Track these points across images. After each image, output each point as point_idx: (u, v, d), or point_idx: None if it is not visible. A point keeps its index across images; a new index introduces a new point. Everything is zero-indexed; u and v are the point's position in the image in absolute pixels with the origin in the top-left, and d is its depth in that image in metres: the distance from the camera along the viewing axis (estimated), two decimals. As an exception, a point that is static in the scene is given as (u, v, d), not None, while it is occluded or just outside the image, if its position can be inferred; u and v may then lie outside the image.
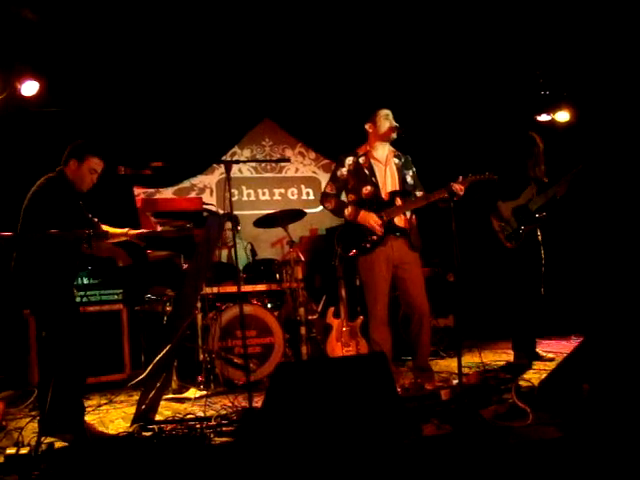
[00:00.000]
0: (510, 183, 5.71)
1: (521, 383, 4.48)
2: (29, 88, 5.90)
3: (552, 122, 7.52)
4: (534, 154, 5.88)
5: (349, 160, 4.99)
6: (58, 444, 3.92)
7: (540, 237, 5.87)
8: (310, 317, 6.29)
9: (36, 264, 4.01)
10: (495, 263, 6.32)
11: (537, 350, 5.93)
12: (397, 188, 4.95)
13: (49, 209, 4.02)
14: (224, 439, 3.82)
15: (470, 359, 6.15)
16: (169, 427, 4.13)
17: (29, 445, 3.69)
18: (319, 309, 6.56)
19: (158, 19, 6.45)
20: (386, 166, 4.98)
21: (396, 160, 5.04)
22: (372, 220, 4.82)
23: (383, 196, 4.89)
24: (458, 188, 4.66)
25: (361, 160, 4.96)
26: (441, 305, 6.69)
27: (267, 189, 8.05)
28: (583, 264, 7.63)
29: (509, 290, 5.97)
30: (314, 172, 8.28)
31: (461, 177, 4.77)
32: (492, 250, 5.99)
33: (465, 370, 5.23)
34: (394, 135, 4.95)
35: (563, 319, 7.26)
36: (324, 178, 8.12)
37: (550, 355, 5.91)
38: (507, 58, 7.29)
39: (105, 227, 4.60)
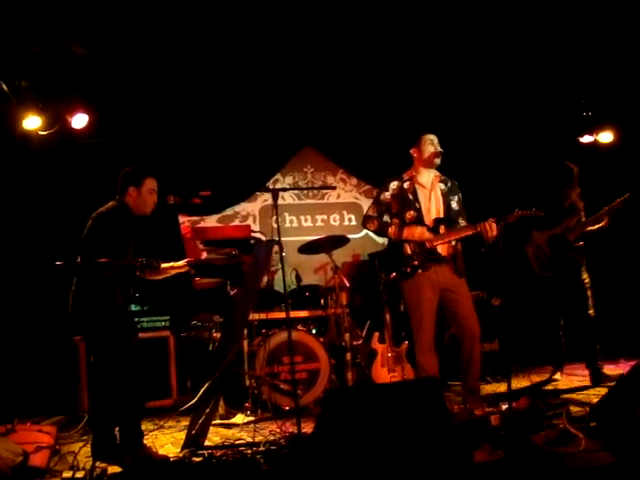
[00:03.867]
0: (547, 213, 5.64)
1: (571, 408, 4.41)
2: (79, 121, 6.07)
3: (595, 143, 7.45)
4: (572, 182, 5.93)
5: (394, 184, 4.99)
6: (111, 469, 3.98)
7: (583, 263, 5.88)
8: (355, 343, 6.29)
9: (94, 291, 4.09)
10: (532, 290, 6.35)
11: (604, 371, 5.84)
12: (441, 214, 4.92)
13: (110, 238, 4.10)
14: (275, 465, 3.84)
15: (517, 384, 6.07)
16: (219, 453, 4.16)
17: (84, 469, 3.78)
18: (363, 334, 6.55)
19: (201, 51, 6.59)
20: (431, 192, 4.96)
21: (442, 185, 5.01)
22: (417, 232, 4.80)
23: (427, 222, 4.87)
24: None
25: (406, 185, 4.95)
26: (486, 329, 6.62)
27: (309, 215, 8.12)
28: (632, 286, 7.50)
29: (550, 317, 6.05)
30: (356, 198, 8.33)
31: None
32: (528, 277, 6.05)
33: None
34: (437, 161, 4.93)
35: (611, 342, 7.15)
36: (366, 204, 8.15)
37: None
38: (550, 80, 7.27)
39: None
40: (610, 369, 6.12)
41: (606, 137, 7.36)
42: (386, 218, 5.02)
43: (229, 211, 7.77)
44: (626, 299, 7.46)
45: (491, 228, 4.65)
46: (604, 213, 5.73)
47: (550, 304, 6.07)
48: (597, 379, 5.74)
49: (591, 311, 5.84)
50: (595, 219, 5.77)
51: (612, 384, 5.36)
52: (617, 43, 6.67)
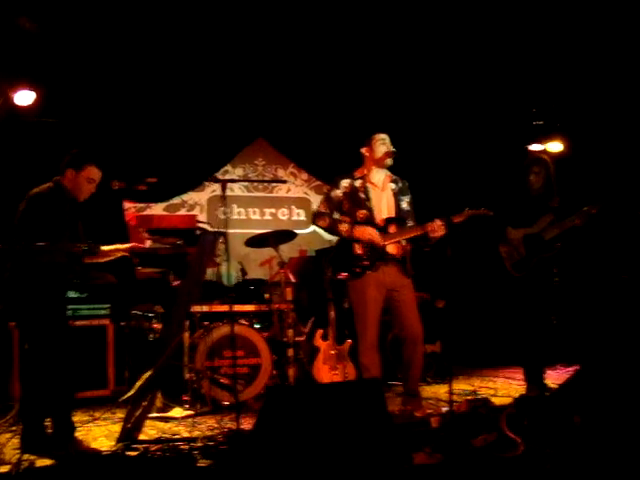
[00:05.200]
0: (523, 210, 5.49)
1: (511, 412, 4.44)
2: (24, 98, 5.85)
3: (544, 152, 7.53)
4: (530, 176, 5.51)
5: (345, 182, 4.91)
6: (39, 462, 3.81)
7: (554, 267, 5.51)
8: (297, 339, 6.24)
9: (30, 276, 3.94)
10: (491, 291, 6.21)
11: (545, 382, 5.55)
12: (392, 214, 4.88)
13: (45, 219, 3.96)
14: (211, 461, 3.75)
15: (458, 386, 6.11)
16: (155, 447, 4.05)
17: (10, 463, 3.61)
18: (307, 331, 6.50)
19: (155, 35, 6.47)
20: (382, 191, 4.92)
21: (392, 185, 4.97)
22: (368, 232, 4.73)
23: (378, 222, 4.82)
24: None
25: (357, 183, 4.89)
26: (428, 331, 6.64)
27: (258, 208, 8.06)
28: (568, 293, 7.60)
29: (516, 319, 5.66)
30: (305, 193, 8.29)
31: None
32: (495, 277, 5.78)
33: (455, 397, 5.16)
34: (389, 161, 4.88)
35: (549, 348, 7.25)
36: (315, 199, 8.14)
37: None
38: (501, 88, 7.36)
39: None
40: (547, 375, 6.20)
41: (555, 147, 7.43)
42: (336, 216, 4.94)
43: (176, 200, 7.64)
44: (562, 305, 7.56)
45: (438, 228, 4.66)
46: (586, 212, 5.29)
47: (516, 306, 5.64)
48: (540, 387, 5.46)
49: (553, 319, 5.60)
50: (575, 217, 5.31)
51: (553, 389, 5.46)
52: (570, 53, 6.79)
